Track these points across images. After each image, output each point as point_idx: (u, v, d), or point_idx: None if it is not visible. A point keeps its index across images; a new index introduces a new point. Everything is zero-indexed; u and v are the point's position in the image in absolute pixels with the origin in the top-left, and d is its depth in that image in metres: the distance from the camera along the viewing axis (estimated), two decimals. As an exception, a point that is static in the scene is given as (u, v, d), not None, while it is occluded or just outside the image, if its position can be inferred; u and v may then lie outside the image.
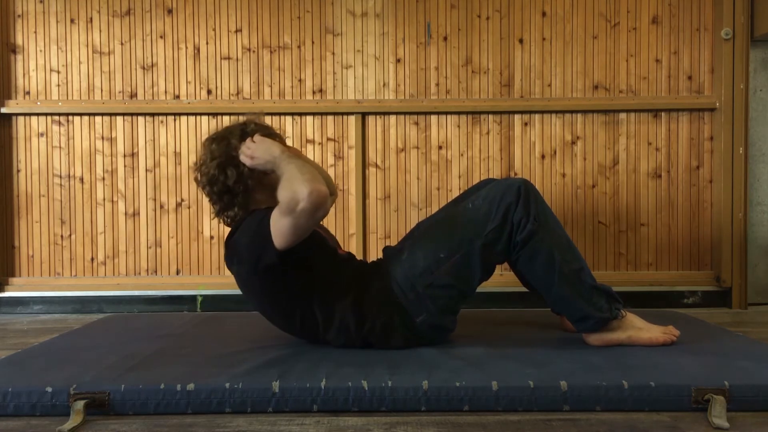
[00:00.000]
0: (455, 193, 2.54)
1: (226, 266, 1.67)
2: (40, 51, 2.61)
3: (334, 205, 2.59)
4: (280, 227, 1.49)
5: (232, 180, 1.61)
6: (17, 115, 2.61)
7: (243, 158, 1.60)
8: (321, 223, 1.93)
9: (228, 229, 1.69)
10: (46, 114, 2.61)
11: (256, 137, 1.62)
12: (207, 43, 2.61)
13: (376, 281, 1.63)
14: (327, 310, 1.60)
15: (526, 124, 2.61)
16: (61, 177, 2.62)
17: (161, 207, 2.61)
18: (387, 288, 1.61)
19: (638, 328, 1.64)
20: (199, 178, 1.67)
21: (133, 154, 2.62)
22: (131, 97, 2.61)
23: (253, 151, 1.58)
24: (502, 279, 2.41)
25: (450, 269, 1.59)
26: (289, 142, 2.61)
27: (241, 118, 1.74)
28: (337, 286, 1.61)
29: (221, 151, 1.63)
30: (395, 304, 1.60)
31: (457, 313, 1.67)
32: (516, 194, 1.58)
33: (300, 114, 2.61)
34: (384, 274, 1.64)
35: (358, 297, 1.60)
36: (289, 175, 1.51)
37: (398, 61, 2.60)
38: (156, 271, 2.61)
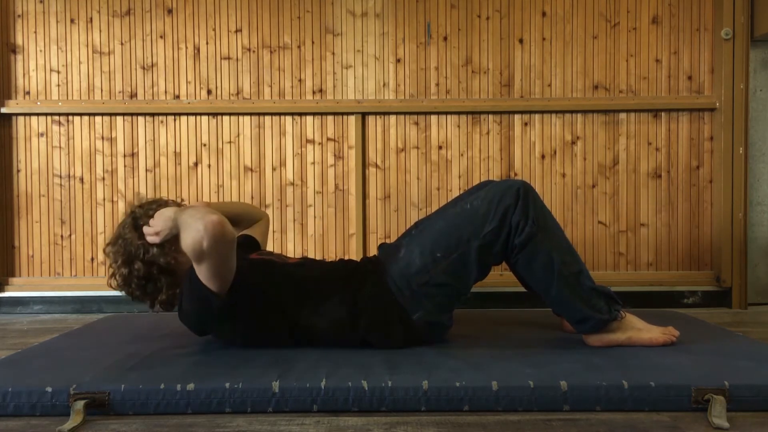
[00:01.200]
0: (455, 193, 2.54)
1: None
2: (40, 51, 2.61)
3: (334, 205, 2.59)
4: (204, 274, 1.49)
5: (143, 271, 1.60)
6: (17, 115, 2.61)
7: (150, 239, 1.57)
8: (264, 248, 1.95)
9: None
10: (46, 114, 2.61)
11: (154, 215, 1.59)
12: (207, 43, 2.61)
13: (371, 278, 1.64)
14: (312, 315, 1.60)
15: (526, 124, 2.61)
16: (61, 177, 2.62)
17: (161, 207, 2.61)
18: (383, 285, 1.62)
19: (638, 328, 1.64)
20: (113, 284, 1.65)
21: (133, 154, 2.62)
22: (131, 97, 2.61)
23: (154, 228, 1.56)
24: (502, 279, 2.41)
25: (446, 269, 1.59)
26: (289, 142, 2.61)
27: (127, 209, 1.71)
28: (310, 291, 1.61)
29: (121, 251, 1.62)
30: (392, 302, 1.61)
31: (452, 311, 1.68)
32: (515, 196, 1.57)
33: (300, 114, 2.61)
34: (380, 271, 1.65)
35: (350, 295, 1.61)
36: (184, 225, 1.49)
37: (398, 61, 2.60)
38: (156, 271, 2.60)
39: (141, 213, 1.65)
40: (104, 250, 1.68)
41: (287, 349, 1.63)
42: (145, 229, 1.58)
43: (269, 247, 2.32)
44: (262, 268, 1.64)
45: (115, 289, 1.66)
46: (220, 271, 1.49)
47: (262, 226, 2.01)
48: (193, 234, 1.44)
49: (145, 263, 1.60)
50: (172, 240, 1.57)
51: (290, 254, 2.60)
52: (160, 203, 1.69)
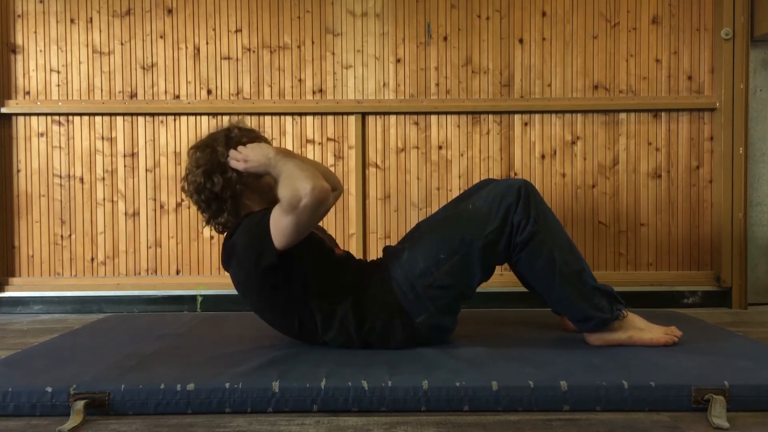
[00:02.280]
0: (455, 193, 2.54)
1: (223, 268, 1.67)
2: (40, 51, 2.61)
3: (334, 205, 2.59)
4: (281, 226, 1.49)
5: (219, 187, 1.61)
6: (17, 115, 2.61)
7: (234, 163, 1.59)
8: (319, 223, 1.93)
9: None
10: (46, 114, 2.61)
11: (248, 144, 1.61)
12: (207, 43, 2.61)
13: (375, 281, 1.63)
14: (326, 310, 1.60)
15: (526, 124, 2.61)
16: (61, 177, 2.62)
17: (161, 207, 2.61)
18: (387, 288, 1.61)
19: (639, 328, 1.64)
20: (185, 187, 1.66)
21: (133, 154, 2.62)
22: (131, 97, 2.61)
23: (246, 155, 1.58)
24: (502, 279, 2.41)
25: (450, 270, 1.59)
26: (289, 142, 2.61)
27: (224, 124, 1.72)
28: (336, 287, 1.61)
29: (206, 159, 1.62)
30: (395, 305, 1.60)
31: (457, 314, 1.67)
32: (516, 195, 1.57)
33: (300, 114, 2.61)
34: (384, 275, 1.64)
35: (358, 297, 1.60)
36: (289, 173, 1.51)
37: (398, 61, 2.60)
38: (156, 271, 2.61)
39: (237, 135, 1.66)
40: (188, 152, 1.68)
41: (286, 347, 1.63)
42: (233, 152, 1.59)
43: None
44: (314, 246, 1.62)
45: (183, 192, 1.68)
46: (297, 231, 1.49)
47: (335, 196, 1.96)
48: (298, 187, 1.45)
49: (225, 180, 1.60)
50: (254, 175, 1.60)
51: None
52: (257, 136, 1.69)
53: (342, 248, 1.81)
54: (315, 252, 1.62)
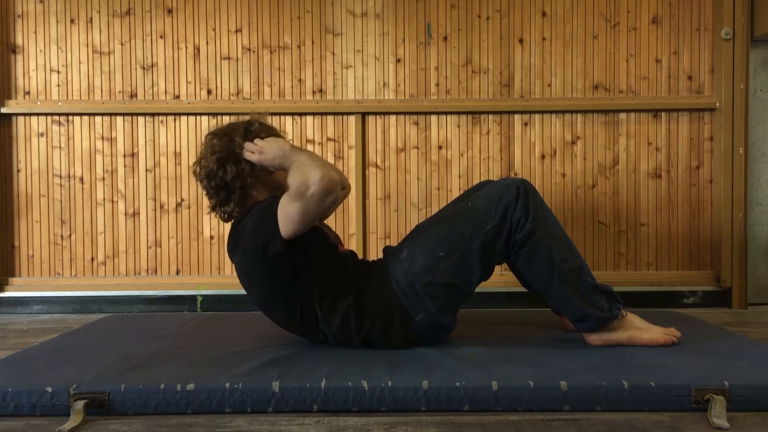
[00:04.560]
0: (455, 193, 2.54)
1: (228, 256, 1.67)
2: (40, 51, 2.61)
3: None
4: (288, 213, 1.49)
5: (231, 176, 1.62)
6: (17, 115, 2.61)
7: (249, 155, 1.60)
8: (325, 221, 1.93)
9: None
10: (46, 114, 2.61)
11: (265, 138, 1.63)
12: (207, 43, 2.61)
13: (375, 280, 1.64)
14: (327, 305, 1.60)
15: (526, 124, 2.61)
16: (61, 177, 2.62)
17: (161, 207, 2.61)
18: (387, 287, 1.61)
19: (639, 328, 1.64)
20: (197, 171, 1.67)
21: (133, 154, 2.62)
22: (131, 97, 2.62)
23: (262, 147, 1.59)
24: (502, 279, 2.41)
25: (449, 268, 1.59)
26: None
27: (245, 117, 1.74)
28: (338, 283, 1.61)
29: (222, 147, 1.63)
30: (395, 303, 1.60)
31: (456, 312, 1.67)
32: (515, 194, 1.58)
33: (300, 114, 2.61)
34: (384, 273, 1.64)
35: (359, 296, 1.61)
36: (300, 162, 1.52)
37: (398, 61, 2.60)
38: (156, 271, 2.61)
39: (257, 129, 1.67)
40: (205, 137, 1.69)
41: (287, 345, 1.63)
42: (249, 144, 1.61)
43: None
44: (319, 240, 1.63)
45: (194, 175, 1.69)
46: (304, 219, 1.49)
47: (343, 194, 1.96)
48: (308, 175, 1.46)
49: (237, 170, 1.62)
50: (266, 168, 1.61)
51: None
52: (276, 133, 1.71)
53: (345, 247, 1.81)
54: (320, 245, 1.62)
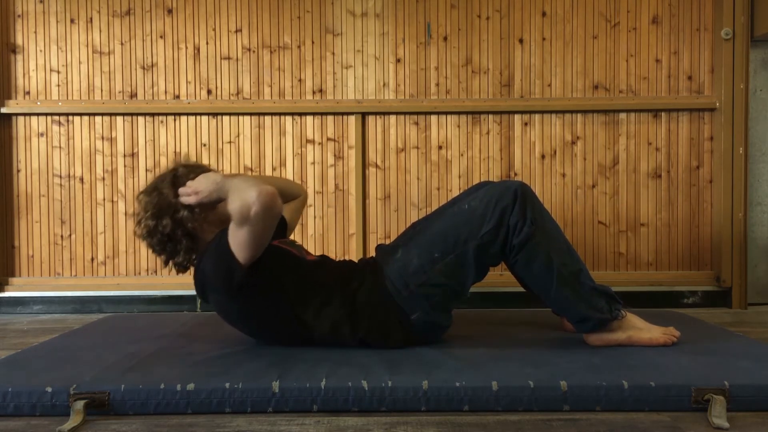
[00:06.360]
0: (455, 193, 2.54)
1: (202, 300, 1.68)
2: (40, 51, 2.61)
3: (334, 205, 2.59)
4: (239, 239, 1.49)
5: (169, 228, 1.61)
6: (17, 115, 2.61)
7: (186, 199, 1.59)
8: (290, 236, 1.93)
9: None
10: (46, 114, 2.61)
11: (196, 177, 1.61)
12: (207, 43, 2.61)
13: (368, 280, 1.64)
14: (313, 314, 1.60)
15: (526, 124, 2.61)
16: (61, 177, 2.62)
17: (161, 207, 2.61)
18: (381, 286, 1.61)
19: (638, 328, 1.64)
20: (138, 232, 1.67)
21: (133, 154, 2.62)
22: (131, 97, 2.61)
23: (195, 187, 1.58)
24: (502, 279, 2.41)
25: (444, 269, 1.59)
26: (289, 142, 2.61)
27: (169, 165, 1.73)
28: (319, 290, 1.61)
29: (154, 202, 1.63)
30: (390, 302, 1.60)
31: (450, 311, 1.68)
32: (513, 197, 1.57)
33: (300, 114, 2.61)
34: (377, 273, 1.64)
35: (350, 296, 1.61)
36: (234, 188, 1.51)
37: (398, 61, 2.60)
38: (156, 271, 2.61)
39: (184, 172, 1.66)
40: (137, 197, 1.69)
41: (286, 347, 1.63)
42: (182, 189, 1.60)
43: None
44: (281, 258, 1.63)
45: (138, 237, 1.68)
46: (256, 241, 1.49)
47: (297, 203, 1.99)
48: (245, 197, 1.45)
49: (174, 221, 1.61)
50: (206, 206, 1.60)
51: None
52: (204, 168, 1.70)
53: (313, 255, 1.80)
54: (284, 263, 1.62)
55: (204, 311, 2.55)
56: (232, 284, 1.54)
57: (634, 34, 2.60)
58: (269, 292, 1.58)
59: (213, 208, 1.63)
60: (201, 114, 2.61)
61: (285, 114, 2.61)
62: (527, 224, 1.55)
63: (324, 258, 1.76)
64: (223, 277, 1.54)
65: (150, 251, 1.70)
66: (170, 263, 1.68)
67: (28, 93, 2.61)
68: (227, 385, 1.32)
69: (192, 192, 1.58)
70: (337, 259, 1.85)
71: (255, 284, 1.55)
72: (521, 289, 1.81)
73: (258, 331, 1.70)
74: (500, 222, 1.57)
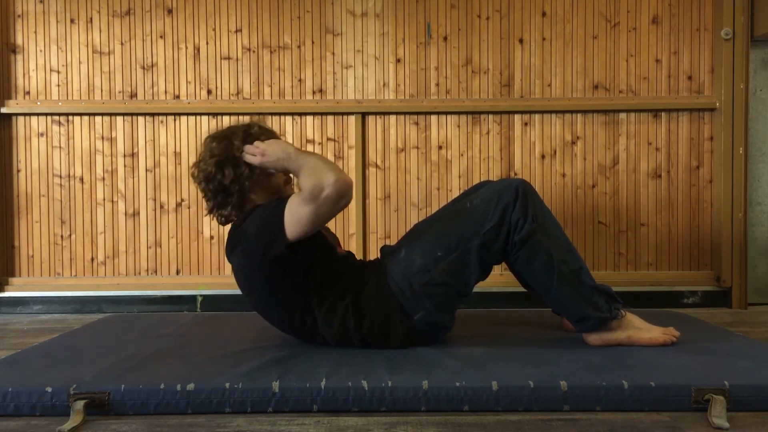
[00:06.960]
0: (455, 193, 2.54)
1: (226, 257, 1.67)
2: (40, 51, 2.61)
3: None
4: (298, 215, 1.50)
5: (229, 179, 1.61)
6: (17, 115, 2.61)
7: (250, 157, 1.59)
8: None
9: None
10: (46, 114, 2.61)
11: (266, 140, 1.62)
12: (207, 43, 2.61)
13: (373, 280, 1.64)
14: (326, 307, 1.60)
15: (526, 124, 2.61)
16: (61, 177, 2.62)
17: (161, 207, 2.61)
18: (384, 286, 1.62)
19: (638, 328, 1.64)
20: (196, 173, 1.67)
21: (133, 154, 2.62)
22: (131, 97, 2.62)
23: (265, 149, 1.58)
24: (502, 279, 2.41)
25: (446, 268, 1.59)
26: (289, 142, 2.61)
27: (244, 120, 1.74)
28: (336, 284, 1.61)
29: (221, 150, 1.63)
30: (393, 302, 1.60)
31: (454, 312, 1.67)
32: (514, 194, 1.57)
33: (300, 114, 2.61)
34: (381, 273, 1.65)
35: (357, 296, 1.61)
36: (312, 164, 1.52)
37: (398, 61, 2.60)
38: (156, 271, 2.61)
39: (257, 132, 1.66)
40: (205, 140, 1.69)
41: (287, 345, 1.63)
42: (249, 147, 1.60)
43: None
44: (320, 244, 1.63)
45: (192, 178, 1.69)
46: (314, 222, 1.50)
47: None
48: (322, 177, 1.47)
49: (235, 174, 1.61)
50: (265, 171, 1.61)
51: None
52: (276, 135, 1.70)
53: (343, 248, 1.81)
54: (319, 248, 1.63)
55: (204, 311, 2.55)
56: (269, 253, 1.53)
57: (634, 34, 2.60)
58: (297, 272, 1.58)
59: (270, 175, 1.64)
60: (201, 114, 2.61)
61: (285, 114, 2.61)
62: (528, 221, 1.56)
63: (350, 254, 1.76)
64: (265, 244, 1.53)
65: (201, 196, 1.70)
66: (214, 212, 1.68)
67: (28, 93, 2.61)
68: (227, 385, 1.32)
69: (259, 153, 1.58)
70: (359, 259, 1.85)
71: (289, 261, 1.55)
72: (521, 289, 1.81)
73: (269, 308, 1.67)
74: (502, 219, 1.57)
